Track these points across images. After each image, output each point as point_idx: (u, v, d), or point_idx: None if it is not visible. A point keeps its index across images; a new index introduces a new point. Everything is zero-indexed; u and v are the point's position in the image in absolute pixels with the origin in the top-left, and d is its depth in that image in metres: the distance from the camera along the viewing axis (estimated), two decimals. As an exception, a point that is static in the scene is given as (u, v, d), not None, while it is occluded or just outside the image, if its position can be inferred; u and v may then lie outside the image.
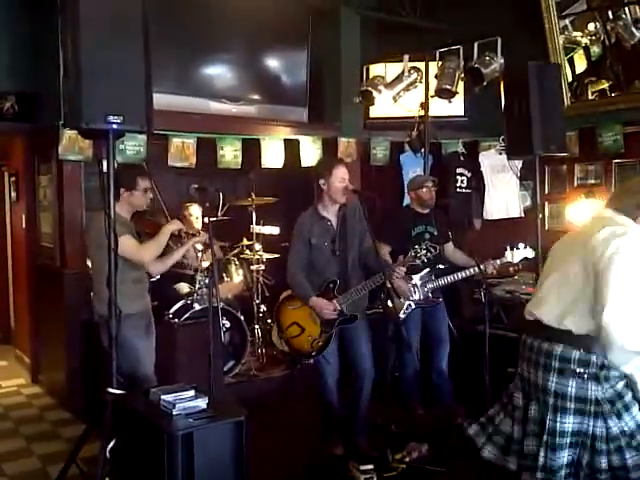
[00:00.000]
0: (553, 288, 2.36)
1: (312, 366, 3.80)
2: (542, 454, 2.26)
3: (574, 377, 2.22)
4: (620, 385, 2.24)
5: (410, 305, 4.11)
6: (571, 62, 5.33)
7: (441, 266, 4.23)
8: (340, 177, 3.59)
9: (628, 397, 2.25)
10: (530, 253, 4.06)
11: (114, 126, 2.77)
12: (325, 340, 3.64)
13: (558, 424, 2.25)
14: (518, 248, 4.04)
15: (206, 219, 3.82)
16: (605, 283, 2.14)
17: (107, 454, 2.79)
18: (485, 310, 3.96)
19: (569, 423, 2.24)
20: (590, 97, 5.30)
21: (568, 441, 2.24)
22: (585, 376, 2.21)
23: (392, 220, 4.31)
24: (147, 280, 3.61)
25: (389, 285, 3.55)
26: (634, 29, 4.86)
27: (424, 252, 3.63)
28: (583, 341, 2.21)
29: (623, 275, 2.13)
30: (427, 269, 4.09)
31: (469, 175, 5.78)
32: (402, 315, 4.06)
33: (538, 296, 2.45)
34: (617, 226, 2.26)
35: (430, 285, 4.13)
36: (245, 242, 5.39)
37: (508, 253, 4.04)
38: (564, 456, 2.24)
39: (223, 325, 4.56)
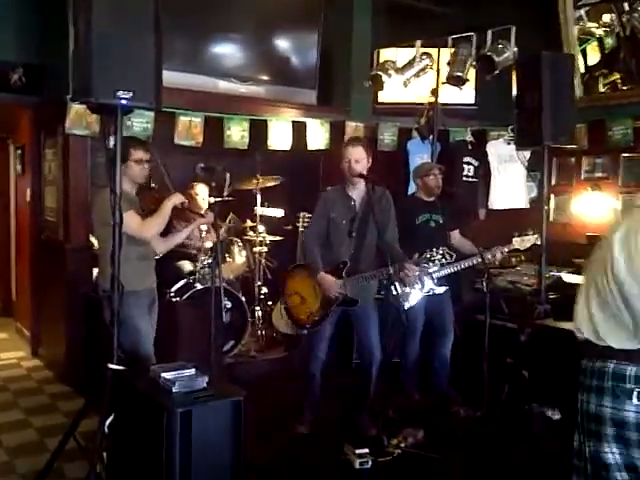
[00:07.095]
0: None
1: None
2: None
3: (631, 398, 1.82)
4: None
5: (418, 294, 4.12)
6: (584, 53, 5.28)
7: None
8: (346, 156, 3.69)
9: None
10: (538, 240, 4.05)
11: (123, 102, 2.75)
12: (321, 316, 3.71)
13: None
14: (526, 234, 4.04)
15: (212, 199, 3.79)
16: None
17: (105, 429, 2.80)
18: (487, 300, 3.95)
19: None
20: (601, 90, 5.25)
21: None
22: None
23: (396, 210, 4.29)
24: (153, 257, 3.59)
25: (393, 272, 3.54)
26: (650, 22, 4.81)
27: (439, 257, 3.65)
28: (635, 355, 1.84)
29: None
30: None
31: (476, 164, 5.74)
32: (407, 305, 4.07)
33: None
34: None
35: (437, 274, 4.13)
36: (249, 223, 5.38)
37: (515, 240, 4.04)
38: None
39: (224, 305, 4.56)
